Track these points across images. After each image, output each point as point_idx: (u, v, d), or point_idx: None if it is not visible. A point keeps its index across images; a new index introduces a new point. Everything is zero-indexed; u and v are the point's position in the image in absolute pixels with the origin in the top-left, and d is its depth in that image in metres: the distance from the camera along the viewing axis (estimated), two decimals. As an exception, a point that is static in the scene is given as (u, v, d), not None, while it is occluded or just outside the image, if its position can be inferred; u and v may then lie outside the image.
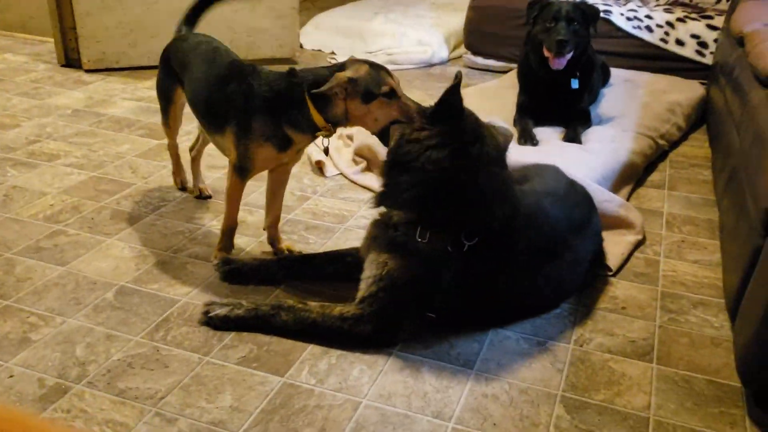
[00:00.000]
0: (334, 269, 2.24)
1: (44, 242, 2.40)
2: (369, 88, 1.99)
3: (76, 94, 3.89)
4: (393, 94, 2.00)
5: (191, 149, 2.78)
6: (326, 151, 2.19)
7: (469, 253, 1.90)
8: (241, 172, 2.20)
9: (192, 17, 2.57)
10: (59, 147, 3.19)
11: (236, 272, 2.22)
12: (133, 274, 2.24)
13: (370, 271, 1.96)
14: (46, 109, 3.65)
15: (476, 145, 1.88)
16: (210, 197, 2.78)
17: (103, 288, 2.16)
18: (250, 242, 2.47)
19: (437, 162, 1.86)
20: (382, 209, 2.03)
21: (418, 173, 1.89)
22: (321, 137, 2.10)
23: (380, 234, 2.01)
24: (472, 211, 1.89)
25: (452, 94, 1.87)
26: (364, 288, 1.96)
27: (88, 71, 4.27)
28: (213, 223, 2.58)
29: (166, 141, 2.78)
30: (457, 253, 1.90)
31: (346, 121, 2.05)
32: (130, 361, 1.85)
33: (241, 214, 2.64)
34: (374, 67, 2.04)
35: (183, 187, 2.82)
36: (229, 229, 2.35)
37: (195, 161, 2.78)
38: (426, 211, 1.90)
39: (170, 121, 2.61)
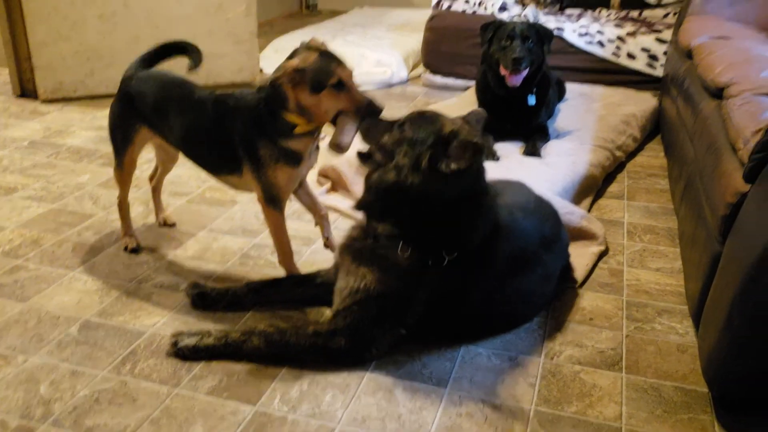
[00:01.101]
0: (303, 291, 2.23)
1: (4, 278, 2.35)
2: (317, 78, 1.96)
3: (32, 125, 3.83)
4: (342, 86, 1.97)
5: (151, 178, 2.72)
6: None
7: (448, 268, 1.91)
8: (274, 202, 2.18)
9: (149, 61, 2.45)
10: (16, 180, 3.13)
11: (204, 296, 2.20)
12: (97, 307, 2.21)
13: (345, 283, 1.96)
14: (2, 141, 3.59)
15: (470, 175, 1.86)
16: (174, 225, 2.75)
17: (66, 323, 2.12)
18: (217, 269, 2.45)
19: (444, 197, 1.86)
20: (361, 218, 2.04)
21: (410, 203, 1.88)
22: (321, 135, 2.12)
23: (359, 243, 2.01)
24: (458, 228, 1.91)
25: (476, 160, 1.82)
26: (338, 301, 1.97)
27: (44, 101, 4.21)
28: (178, 251, 2.56)
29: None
30: (437, 267, 1.91)
31: (306, 112, 2.02)
32: (97, 396, 1.81)
33: (207, 241, 2.63)
34: (324, 55, 2.00)
35: (135, 249, 2.54)
36: (288, 260, 2.32)
37: (156, 191, 2.73)
38: (412, 228, 1.91)
39: (126, 165, 2.43)
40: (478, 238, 1.93)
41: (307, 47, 2.04)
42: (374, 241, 1.96)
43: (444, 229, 1.90)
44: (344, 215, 2.86)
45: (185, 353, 1.95)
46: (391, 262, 1.92)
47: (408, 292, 1.92)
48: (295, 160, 2.11)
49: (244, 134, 2.10)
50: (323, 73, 1.96)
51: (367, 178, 1.97)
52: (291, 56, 2.03)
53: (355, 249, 2.00)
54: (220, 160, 2.23)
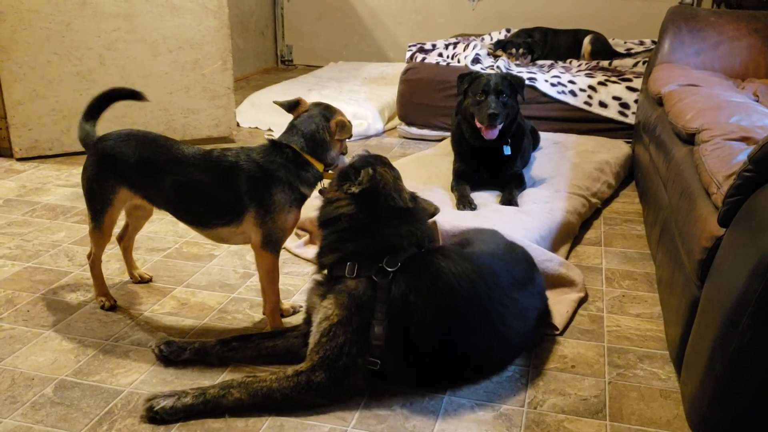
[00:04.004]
0: (273, 346, 2.19)
1: (-24, 339, 2.30)
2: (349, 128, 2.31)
3: (7, 184, 3.80)
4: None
5: (120, 239, 2.67)
6: (323, 192, 2.31)
7: (395, 282, 1.98)
8: (274, 246, 2.27)
9: (94, 114, 2.48)
10: (-10, 239, 3.09)
11: (169, 345, 2.17)
12: (72, 366, 2.16)
13: (315, 320, 2.02)
14: (-24, 200, 3.55)
15: (380, 198, 2.08)
16: (150, 280, 2.72)
17: (41, 383, 2.07)
18: (195, 325, 2.42)
19: (348, 213, 2.08)
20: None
21: (335, 223, 2.10)
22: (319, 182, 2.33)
23: (322, 285, 2.11)
24: (383, 236, 2.04)
25: (373, 188, 2.08)
26: (311, 340, 2.00)
27: (20, 159, 4.18)
28: (155, 307, 2.52)
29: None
30: (384, 282, 1.98)
31: (338, 159, 2.31)
32: (72, 459, 1.76)
33: (184, 297, 2.60)
34: None
35: (112, 306, 2.52)
36: (274, 309, 2.36)
37: (127, 251, 2.69)
38: (345, 246, 2.06)
39: (105, 226, 2.41)
40: (408, 245, 2.06)
41: (319, 102, 2.36)
42: (330, 276, 2.08)
43: (369, 238, 2.05)
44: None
45: (162, 416, 1.89)
46: (343, 286, 2.01)
47: (364, 310, 1.97)
48: (302, 204, 2.29)
49: (258, 183, 2.20)
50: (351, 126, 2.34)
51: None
52: (327, 113, 2.29)
53: (320, 290, 2.10)
54: (216, 213, 2.25)
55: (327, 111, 2.31)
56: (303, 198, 2.28)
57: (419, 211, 2.19)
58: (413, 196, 2.21)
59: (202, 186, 2.25)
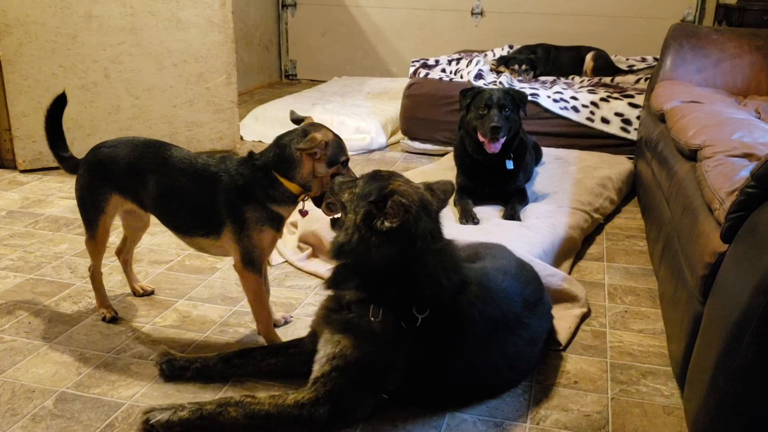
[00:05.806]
0: (276, 362, 2.17)
1: (-22, 351, 2.30)
2: (335, 153, 2.14)
3: (10, 195, 3.81)
4: (346, 164, 2.18)
5: (119, 252, 2.65)
6: (304, 213, 2.26)
7: (424, 328, 1.90)
8: (253, 265, 2.21)
9: (57, 139, 2.46)
10: (-7, 250, 3.09)
11: (171, 363, 2.15)
12: (73, 378, 2.15)
13: (324, 351, 1.94)
14: (-21, 211, 3.56)
15: (419, 237, 1.88)
16: (152, 292, 2.71)
17: (42, 396, 2.06)
18: (196, 338, 2.41)
19: (384, 256, 1.88)
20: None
21: (367, 264, 1.91)
22: (301, 202, 2.21)
23: (333, 313, 2.00)
24: (420, 286, 1.90)
25: (406, 220, 1.85)
26: (317, 369, 1.93)
27: (23, 171, 4.20)
28: (157, 320, 2.52)
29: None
30: (411, 328, 1.89)
31: (312, 182, 2.15)
32: (72, 472, 1.75)
33: (186, 310, 2.59)
34: (335, 135, 2.18)
35: (114, 318, 2.50)
36: (268, 329, 2.33)
37: (127, 264, 2.67)
38: (376, 291, 1.91)
39: (99, 235, 2.40)
40: (445, 295, 1.92)
41: (315, 123, 2.21)
42: (347, 310, 1.96)
43: (405, 287, 1.90)
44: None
45: (158, 429, 1.87)
46: (365, 327, 1.90)
47: (385, 356, 1.90)
48: (279, 224, 2.21)
49: (231, 197, 2.15)
50: (340, 150, 2.16)
51: (330, 245, 2.00)
52: (303, 131, 2.14)
53: (331, 318, 2.00)
54: (196, 222, 2.23)
55: (311, 127, 2.17)
56: (277, 217, 2.18)
57: (451, 250, 2.00)
58: (428, 186, 2.04)
59: (182, 192, 2.22)
